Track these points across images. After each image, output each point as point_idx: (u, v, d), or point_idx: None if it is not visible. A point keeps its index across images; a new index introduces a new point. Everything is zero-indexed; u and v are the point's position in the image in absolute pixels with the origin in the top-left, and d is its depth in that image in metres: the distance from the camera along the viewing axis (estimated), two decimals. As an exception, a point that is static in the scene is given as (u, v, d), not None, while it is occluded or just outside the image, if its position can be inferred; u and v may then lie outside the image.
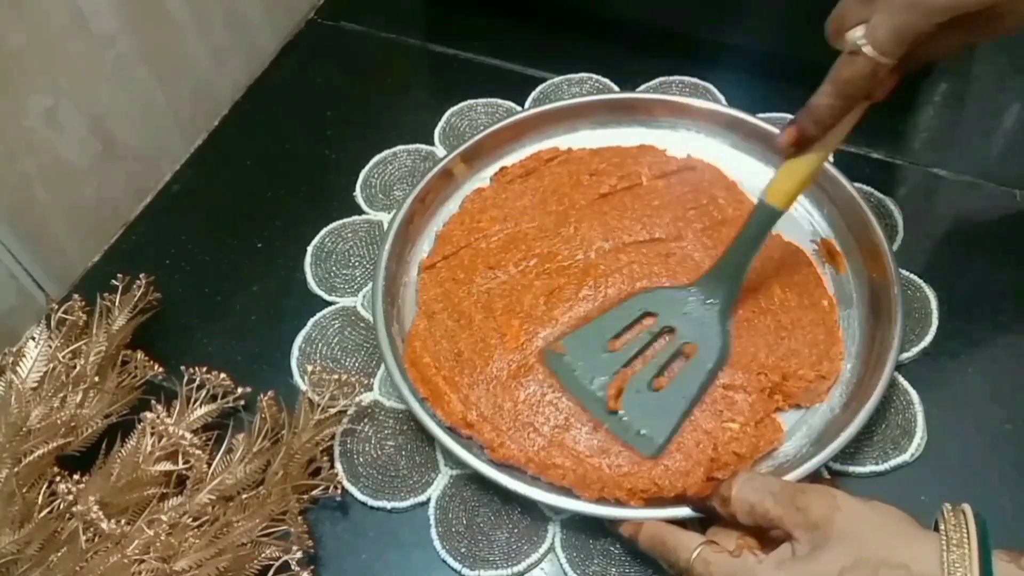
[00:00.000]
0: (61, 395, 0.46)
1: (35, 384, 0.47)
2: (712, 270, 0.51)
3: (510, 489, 0.45)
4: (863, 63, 0.41)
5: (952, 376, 0.51)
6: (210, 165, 0.65)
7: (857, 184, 0.56)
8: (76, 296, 0.51)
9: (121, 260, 0.59)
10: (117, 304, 0.51)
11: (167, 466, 0.45)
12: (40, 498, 0.43)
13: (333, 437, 0.49)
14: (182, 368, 0.48)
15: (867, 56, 0.40)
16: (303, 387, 0.52)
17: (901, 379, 0.50)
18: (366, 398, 0.51)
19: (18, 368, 0.47)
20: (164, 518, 0.42)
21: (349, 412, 0.49)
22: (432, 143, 0.65)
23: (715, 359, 0.49)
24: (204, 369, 0.48)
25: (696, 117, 0.61)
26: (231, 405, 0.49)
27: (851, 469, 0.47)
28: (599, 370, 0.49)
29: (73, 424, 0.46)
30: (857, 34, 0.41)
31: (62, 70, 0.53)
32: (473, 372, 0.50)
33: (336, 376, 0.49)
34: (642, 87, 0.67)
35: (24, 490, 0.43)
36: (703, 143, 0.60)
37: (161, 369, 0.50)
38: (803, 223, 0.57)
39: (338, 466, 0.49)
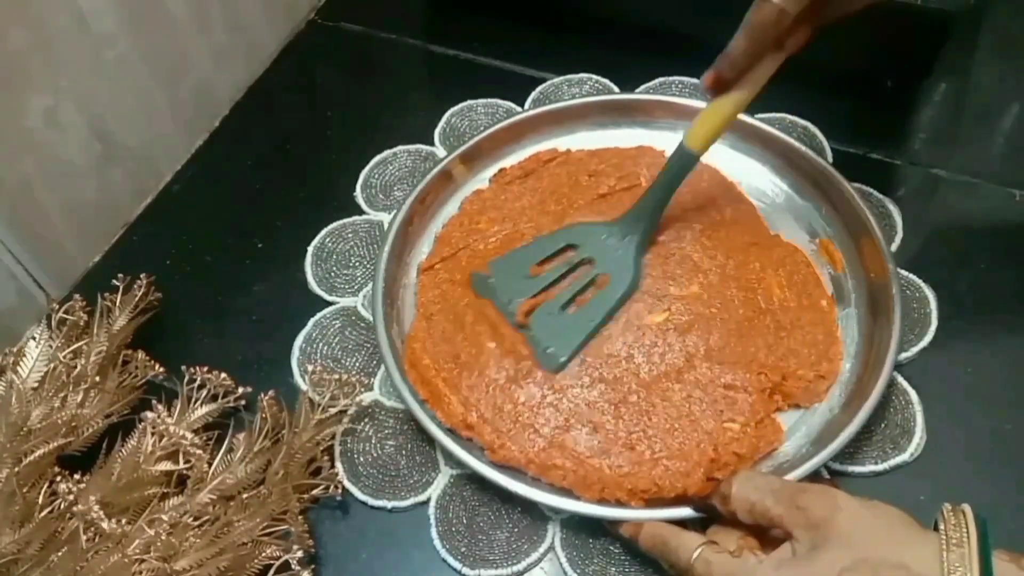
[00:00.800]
0: (62, 395, 0.47)
1: (36, 384, 0.47)
2: (632, 209, 0.54)
3: (510, 490, 0.45)
4: (768, 10, 0.44)
5: (952, 376, 0.51)
6: (210, 165, 0.65)
7: (856, 184, 0.56)
8: (77, 296, 0.51)
9: (122, 260, 0.59)
10: (118, 304, 0.51)
11: (168, 466, 0.45)
12: (41, 498, 0.43)
13: (333, 437, 0.49)
14: (183, 368, 0.48)
15: (772, 3, 0.43)
16: (304, 387, 0.52)
17: (900, 379, 0.50)
18: (366, 398, 0.51)
19: (19, 368, 0.47)
20: (165, 518, 0.42)
21: (349, 412, 0.49)
22: (432, 143, 0.65)
23: (625, 289, 0.52)
24: (205, 369, 0.48)
25: (695, 118, 0.61)
26: (232, 405, 0.49)
27: (851, 469, 0.47)
28: (518, 292, 0.52)
29: (74, 424, 0.46)
30: None
31: (62, 70, 0.53)
32: (472, 374, 0.50)
33: (336, 376, 0.49)
34: (642, 87, 0.67)
35: (25, 490, 0.43)
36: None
37: (162, 369, 0.50)
38: (802, 223, 0.57)
39: (338, 466, 0.49)
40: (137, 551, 0.41)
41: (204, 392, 0.48)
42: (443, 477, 0.48)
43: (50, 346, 0.48)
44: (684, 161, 0.51)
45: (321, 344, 0.54)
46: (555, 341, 0.50)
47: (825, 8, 0.45)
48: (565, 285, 0.53)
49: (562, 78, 0.68)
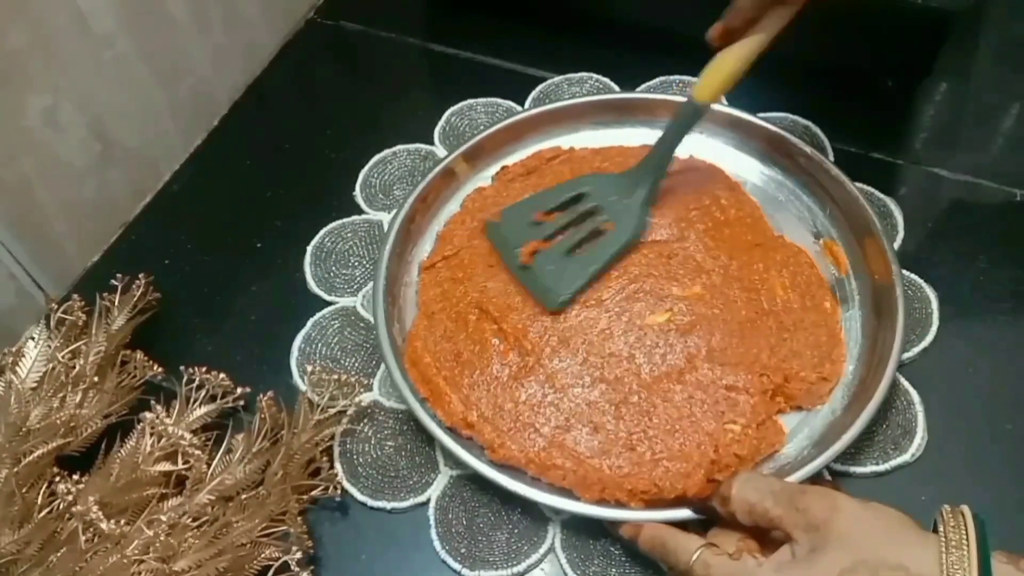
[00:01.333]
0: (60, 395, 0.46)
1: (34, 384, 0.47)
2: (640, 162, 0.56)
3: (510, 490, 0.45)
4: None
5: (953, 376, 0.51)
6: (209, 165, 0.65)
7: (858, 184, 0.56)
8: (75, 296, 0.51)
9: (120, 260, 0.59)
10: (116, 304, 0.51)
11: (166, 466, 0.45)
12: (40, 498, 0.43)
13: (333, 437, 0.49)
14: (181, 368, 0.48)
15: None
16: (303, 387, 0.52)
17: (902, 379, 0.50)
18: (366, 398, 0.51)
19: (17, 368, 0.47)
20: (164, 518, 0.42)
21: (349, 412, 0.49)
22: (432, 143, 0.65)
23: (628, 237, 0.54)
24: (203, 369, 0.48)
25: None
26: (230, 405, 0.49)
27: (852, 470, 0.47)
28: (526, 235, 0.54)
29: (72, 424, 0.46)
30: None
31: (61, 70, 0.53)
32: (473, 372, 0.50)
33: (336, 376, 0.49)
34: (642, 87, 0.67)
35: (24, 490, 0.43)
36: (705, 143, 0.60)
37: (160, 369, 0.50)
38: (806, 224, 0.57)
39: (338, 466, 0.49)
40: (136, 552, 0.41)
41: (203, 392, 0.48)
42: (443, 478, 0.48)
43: (49, 346, 0.48)
44: (691, 114, 0.52)
45: (320, 344, 0.54)
46: (556, 282, 0.52)
47: None
48: (571, 231, 0.54)
49: (562, 77, 0.68)
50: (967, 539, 0.35)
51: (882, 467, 0.47)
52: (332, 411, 0.48)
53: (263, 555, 0.43)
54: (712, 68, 0.50)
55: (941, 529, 0.36)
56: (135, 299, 0.51)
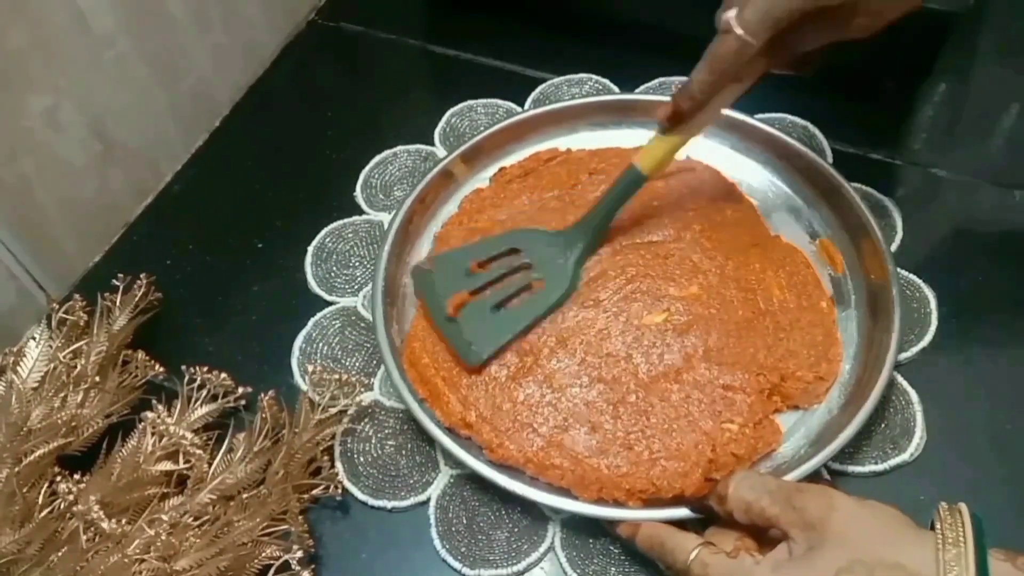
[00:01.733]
0: (62, 395, 0.47)
1: (36, 384, 0.47)
2: (579, 221, 0.54)
3: (508, 489, 0.45)
4: (732, 41, 0.44)
5: (952, 376, 0.51)
6: (211, 165, 0.65)
7: (856, 184, 0.56)
8: (77, 296, 0.51)
9: (122, 260, 0.59)
10: (118, 304, 0.51)
11: (168, 466, 0.45)
12: (41, 498, 0.43)
13: (333, 437, 0.49)
14: (183, 368, 0.48)
15: (736, 35, 0.43)
16: (303, 387, 0.52)
17: (900, 379, 0.50)
18: (366, 398, 0.51)
19: (19, 368, 0.47)
20: (165, 518, 0.42)
21: (349, 412, 0.50)
22: (432, 143, 0.65)
23: (558, 297, 0.52)
24: (205, 369, 0.48)
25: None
26: (232, 405, 0.49)
27: (851, 469, 0.47)
28: (454, 286, 0.52)
29: (74, 424, 0.46)
30: (730, 14, 0.44)
31: (62, 70, 0.53)
32: (471, 373, 0.50)
33: (336, 376, 0.49)
34: (642, 88, 0.67)
35: (25, 490, 0.43)
36: (702, 145, 0.60)
37: (162, 369, 0.50)
38: (802, 224, 0.57)
39: (338, 465, 0.49)
40: (137, 551, 0.41)
41: (204, 392, 0.48)
42: (443, 477, 0.48)
43: (50, 346, 0.48)
44: (633, 181, 0.52)
45: (321, 344, 0.54)
46: (479, 337, 0.50)
47: (784, 43, 0.45)
48: (500, 286, 0.53)
49: (562, 78, 0.68)
50: (964, 536, 0.35)
51: (881, 466, 0.47)
52: (333, 410, 0.48)
53: (264, 554, 0.43)
54: (659, 142, 0.50)
55: (938, 527, 0.36)
56: (136, 299, 0.52)
